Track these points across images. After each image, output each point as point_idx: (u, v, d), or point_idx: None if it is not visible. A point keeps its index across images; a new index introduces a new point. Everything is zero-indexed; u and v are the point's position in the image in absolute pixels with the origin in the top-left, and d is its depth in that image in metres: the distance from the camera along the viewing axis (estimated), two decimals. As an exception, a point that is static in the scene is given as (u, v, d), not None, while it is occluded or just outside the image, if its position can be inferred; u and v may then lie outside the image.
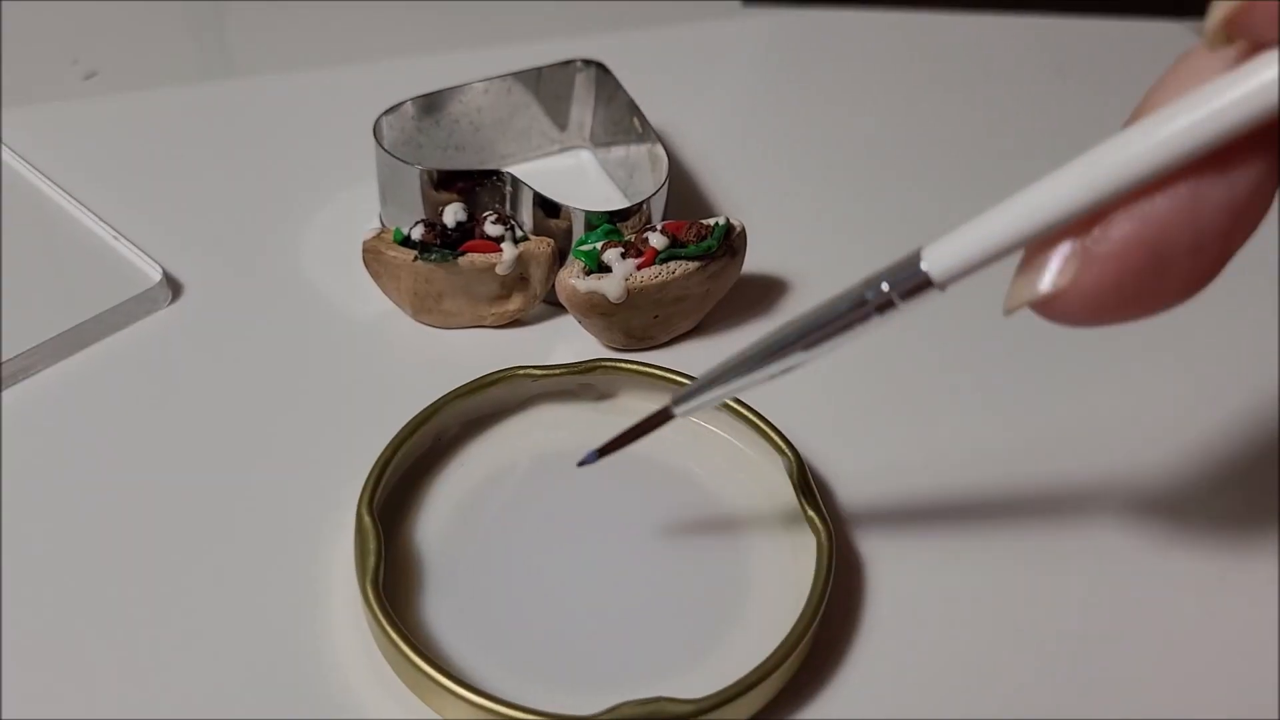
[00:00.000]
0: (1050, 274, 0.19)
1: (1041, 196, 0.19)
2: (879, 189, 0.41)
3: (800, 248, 0.37)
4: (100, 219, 0.35)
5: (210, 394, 0.31)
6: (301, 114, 0.42)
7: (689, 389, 0.24)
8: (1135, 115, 0.19)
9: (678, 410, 0.24)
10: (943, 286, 0.20)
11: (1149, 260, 0.19)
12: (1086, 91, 0.46)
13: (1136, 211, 0.18)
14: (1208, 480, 0.31)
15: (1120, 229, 0.19)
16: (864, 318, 0.21)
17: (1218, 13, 0.18)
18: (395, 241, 0.32)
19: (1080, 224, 0.19)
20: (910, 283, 0.20)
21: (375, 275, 0.33)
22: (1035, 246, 0.19)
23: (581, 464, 0.26)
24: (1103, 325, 0.20)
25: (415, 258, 0.32)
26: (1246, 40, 0.18)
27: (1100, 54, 0.49)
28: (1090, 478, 0.31)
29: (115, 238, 0.34)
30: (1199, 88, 0.18)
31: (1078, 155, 0.19)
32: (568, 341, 0.33)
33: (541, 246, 0.32)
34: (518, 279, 0.33)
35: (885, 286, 0.20)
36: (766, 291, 0.36)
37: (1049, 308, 0.20)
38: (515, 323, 0.34)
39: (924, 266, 0.20)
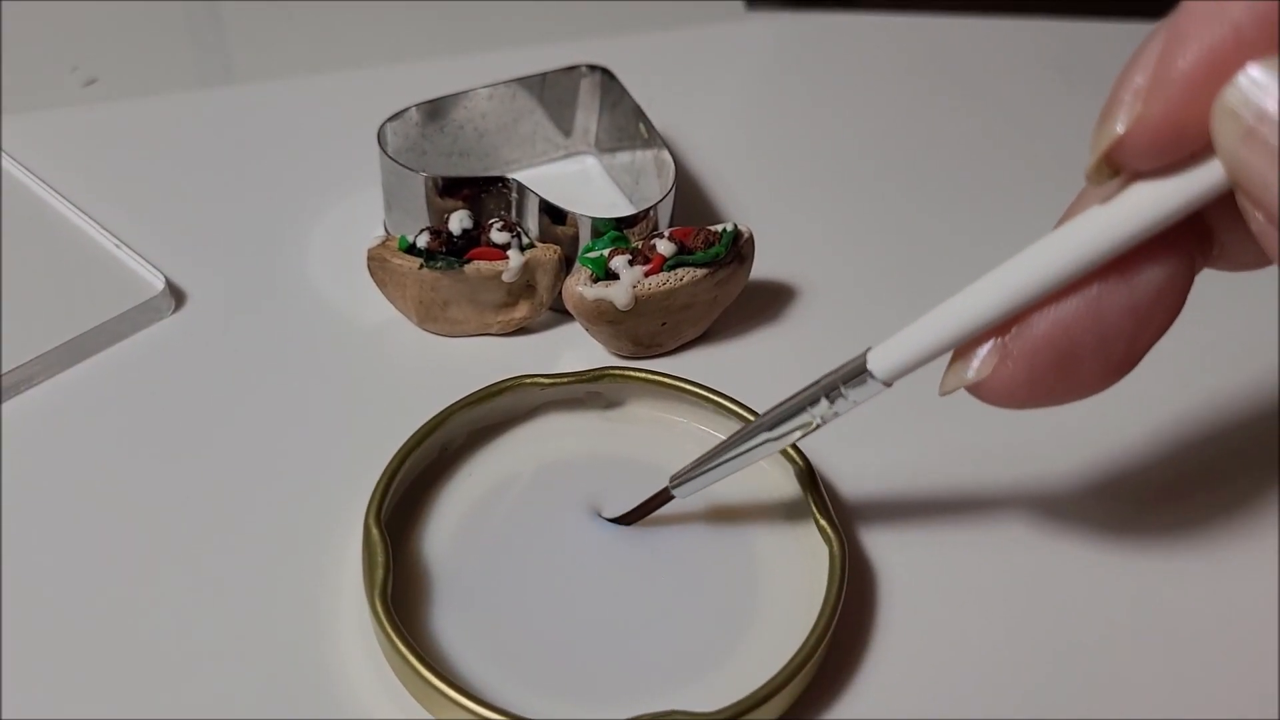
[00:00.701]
0: (973, 367, 0.22)
1: (965, 308, 0.21)
2: (886, 193, 0.41)
3: (808, 253, 0.37)
4: (102, 227, 0.35)
5: (214, 404, 0.31)
6: (305, 120, 0.42)
7: (686, 469, 0.26)
8: (1059, 223, 0.21)
9: (677, 491, 0.26)
10: (888, 383, 0.22)
11: (1057, 359, 0.21)
12: (1091, 95, 0.46)
13: (1048, 314, 0.20)
14: (1213, 477, 0.31)
15: (1032, 330, 0.21)
16: (823, 409, 0.24)
17: (1094, 153, 0.19)
18: (400, 249, 0.32)
19: (1006, 323, 0.21)
20: (859, 381, 0.23)
21: (380, 283, 0.33)
22: (964, 345, 0.22)
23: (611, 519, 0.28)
24: (1026, 409, 0.22)
25: (421, 265, 0.31)
26: (1125, 171, 0.19)
27: (1105, 57, 0.48)
28: (1102, 479, 0.30)
29: (117, 246, 0.34)
30: (1095, 207, 0.20)
31: (1072, 164, 0.19)
32: (575, 349, 0.33)
33: (548, 253, 0.32)
34: (524, 286, 0.32)
35: (841, 387, 0.23)
36: (774, 298, 0.35)
37: (975, 393, 0.22)
38: (522, 330, 0.34)
39: (869, 367, 0.22)
